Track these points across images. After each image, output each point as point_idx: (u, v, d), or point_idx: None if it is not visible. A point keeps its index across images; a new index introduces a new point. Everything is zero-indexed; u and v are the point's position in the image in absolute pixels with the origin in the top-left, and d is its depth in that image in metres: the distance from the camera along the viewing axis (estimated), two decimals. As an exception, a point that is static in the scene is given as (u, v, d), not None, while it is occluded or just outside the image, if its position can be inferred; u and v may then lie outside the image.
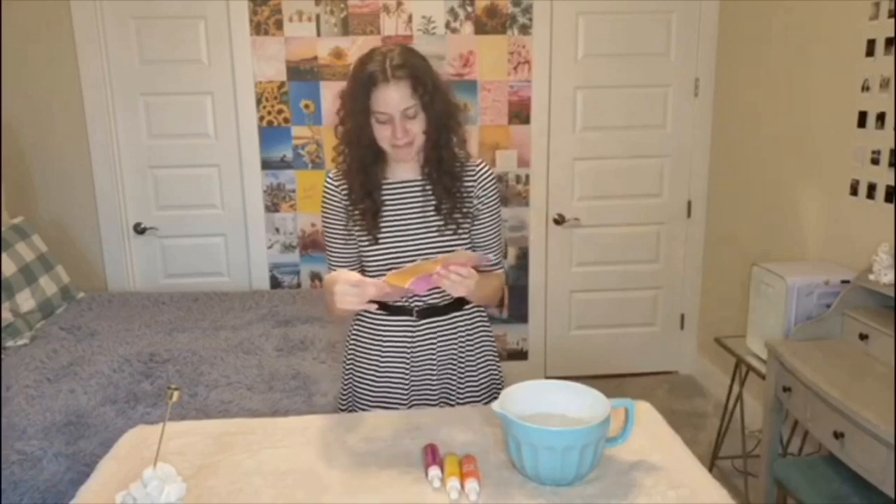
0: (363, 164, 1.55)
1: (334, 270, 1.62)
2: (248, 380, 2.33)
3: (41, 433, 2.01)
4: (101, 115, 3.31)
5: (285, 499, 1.26)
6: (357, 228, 1.59)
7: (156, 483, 1.11)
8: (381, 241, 1.57)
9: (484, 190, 1.61)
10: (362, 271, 1.62)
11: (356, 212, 1.58)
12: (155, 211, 3.48)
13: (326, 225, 1.64)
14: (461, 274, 1.37)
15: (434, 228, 1.58)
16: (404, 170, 1.60)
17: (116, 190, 3.40)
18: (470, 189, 1.60)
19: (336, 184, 1.61)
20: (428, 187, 1.58)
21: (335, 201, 1.61)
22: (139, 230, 3.47)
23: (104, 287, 3.45)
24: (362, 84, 1.46)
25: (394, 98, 1.45)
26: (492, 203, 1.63)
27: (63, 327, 2.77)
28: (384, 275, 1.56)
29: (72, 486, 1.52)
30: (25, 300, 2.78)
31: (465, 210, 1.59)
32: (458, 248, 1.57)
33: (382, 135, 1.50)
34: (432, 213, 1.58)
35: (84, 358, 2.48)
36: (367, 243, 1.59)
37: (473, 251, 1.62)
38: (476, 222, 1.62)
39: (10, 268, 2.77)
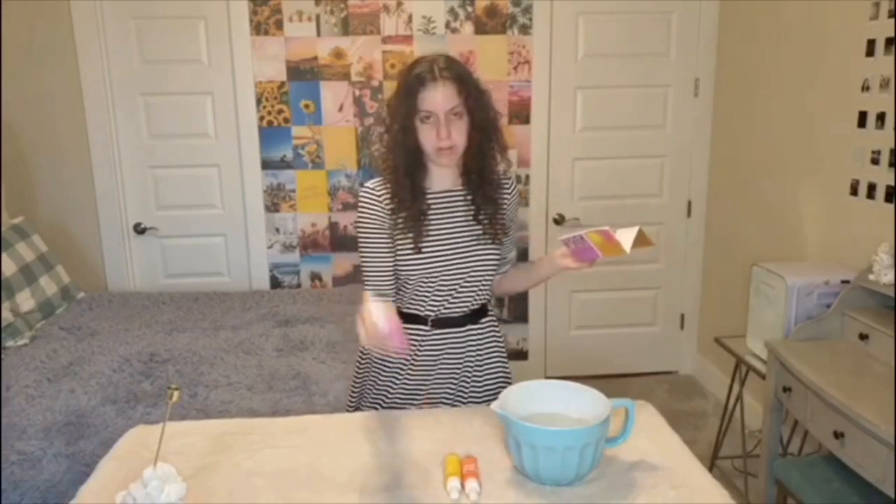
0: (408, 168, 1.54)
1: (370, 286, 1.58)
2: (248, 380, 2.33)
3: (41, 433, 2.01)
4: (101, 115, 3.31)
5: (285, 499, 1.26)
6: (400, 237, 1.56)
7: (156, 483, 1.11)
8: (423, 250, 1.56)
9: (513, 202, 1.69)
10: (400, 284, 1.61)
11: (399, 219, 1.55)
12: (155, 211, 3.48)
13: (366, 236, 1.58)
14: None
15: (473, 238, 1.59)
16: (445, 180, 1.60)
17: (116, 190, 3.40)
18: (505, 200, 1.65)
19: (377, 193, 1.57)
20: (469, 196, 1.60)
21: (377, 209, 1.56)
22: (139, 230, 3.47)
23: (104, 287, 3.45)
24: (410, 86, 1.49)
25: (440, 97, 1.47)
26: (516, 213, 1.72)
27: (63, 327, 2.77)
28: (424, 285, 1.58)
29: (72, 486, 1.53)
30: (25, 300, 2.78)
31: (502, 221, 1.62)
32: (492, 253, 1.63)
33: (427, 136, 1.50)
34: (473, 223, 1.60)
35: (84, 358, 2.48)
36: (409, 252, 1.56)
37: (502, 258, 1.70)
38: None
39: (10, 268, 2.77)
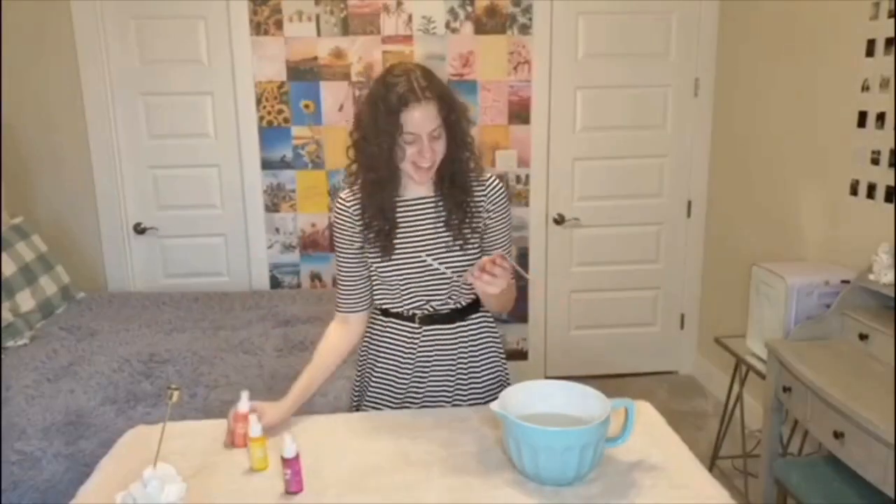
0: (381, 184, 1.53)
1: (344, 288, 1.66)
2: (248, 380, 2.32)
3: (41, 433, 2.01)
4: (101, 115, 3.31)
5: (285, 499, 1.26)
6: (370, 247, 1.59)
7: (156, 483, 1.11)
8: (392, 258, 1.57)
9: (494, 203, 1.61)
10: (379, 286, 1.64)
11: (370, 232, 1.57)
12: (155, 211, 3.48)
13: (339, 245, 1.63)
14: (502, 267, 1.37)
15: (443, 244, 1.58)
16: (419, 188, 1.59)
17: (116, 190, 3.40)
18: (479, 203, 1.60)
19: (348, 205, 1.59)
20: (440, 203, 1.59)
21: (348, 223, 1.59)
22: (139, 230, 3.47)
23: (104, 287, 3.45)
24: (391, 105, 1.44)
25: (423, 119, 1.45)
26: (502, 214, 1.63)
27: (63, 327, 2.77)
28: (396, 290, 1.60)
29: (72, 486, 1.53)
30: (25, 300, 2.78)
31: (473, 225, 1.58)
32: (464, 260, 1.58)
33: (407, 155, 1.49)
34: (443, 229, 1.58)
35: (84, 358, 2.48)
36: (378, 261, 1.58)
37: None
38: (487, 233, 1.62)
39: (10, 268, 2.77)
